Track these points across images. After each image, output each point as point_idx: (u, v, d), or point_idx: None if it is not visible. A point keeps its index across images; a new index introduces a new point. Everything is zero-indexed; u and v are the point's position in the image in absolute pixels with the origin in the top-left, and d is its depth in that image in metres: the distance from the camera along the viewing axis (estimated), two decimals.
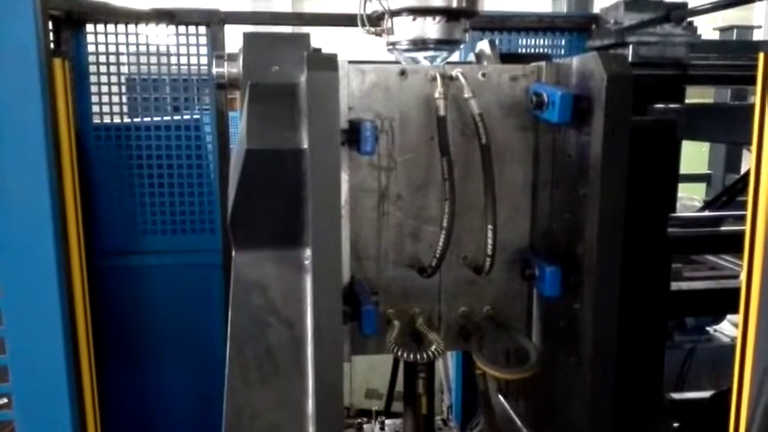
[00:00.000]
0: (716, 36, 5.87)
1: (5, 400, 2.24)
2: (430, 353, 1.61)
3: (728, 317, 4.14)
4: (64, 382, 2.07)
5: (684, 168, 3.41)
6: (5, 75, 1.88)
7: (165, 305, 3.03)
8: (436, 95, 1.67)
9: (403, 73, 1.72)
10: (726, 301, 2.51)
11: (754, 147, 1.25)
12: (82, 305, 2.31)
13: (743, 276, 1.30)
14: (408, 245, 1.80)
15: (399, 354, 1.63)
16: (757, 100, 1.24)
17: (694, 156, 6.42)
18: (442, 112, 1.66)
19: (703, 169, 6.38)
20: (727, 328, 4.21)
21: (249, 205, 1.62)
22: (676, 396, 2.93)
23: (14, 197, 1.96)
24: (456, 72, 1.70)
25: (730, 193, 3.45)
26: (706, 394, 2.80)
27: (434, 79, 1.69)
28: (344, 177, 1.67)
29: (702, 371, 3.76)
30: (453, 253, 1.75)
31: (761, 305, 1.26)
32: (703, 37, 3.08)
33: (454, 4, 1.78)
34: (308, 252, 1.60)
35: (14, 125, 1.92)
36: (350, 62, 1.69)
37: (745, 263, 1.29)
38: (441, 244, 1.66)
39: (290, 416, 1.60)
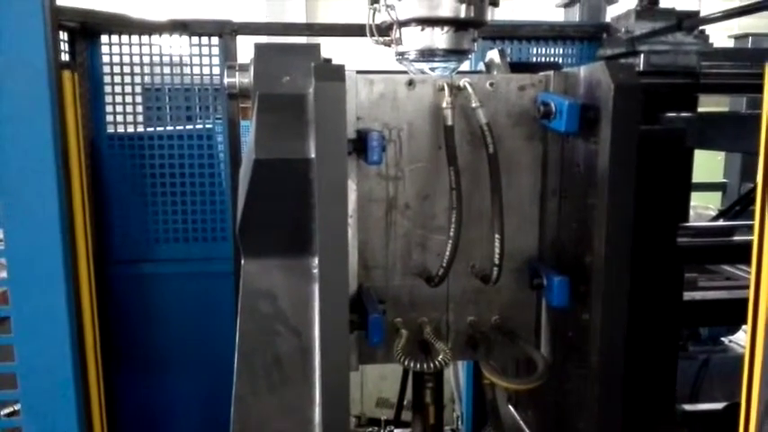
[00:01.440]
0: (731, 44, 5.81)
1: (12, 409, 2.26)
2: (437, 362, 1.61)
3: (743, 327, 4.09)
4: (71, 389, 2.09)
5: (699, 177, 3.38)
6: (15, 87, 1.92)
7: (177, 313, 3.05)
8: (444, 105, 1.67)
9: (411, 83, 1.73)
10: (740, 312, 2.47)
11: (760, 156, 1.24)
12: (90, 313, 2.33)
13: (750, 286, 1.29)
14: (416, 254, 1.80)
15: (406, 363, 1.63)
16: (764, 110, 1.23)
17: (710, 164, 6.36)
18: (449, 122, 1.67)
19: (719, 178, 6.31)
20: (742, 339, 4.16)
21: (257, 214, 1.63)
22: (689, 407, 2.91)
23: (23, 207, 1.99)
24: (463, 82, 1.70)
25: (744, 202, 3.42)
26: (719, 406, 2.77)
27: (442, 89, 1.70)
28: (352, 187, 1.68)
29: (717, 382, 3.71)
30: (461, 262, 1.75)
31: None
32: (719, 45, 3.05)
33: (462, 15, 1.79)
34: (316, 261, 1.61)
35: (23, 137, 1.95)
36: (358, 72, 1.71)
37: (752, 273, 1.28)
38: (448, 253, 1.66)
39: (297, 424, 1.61)
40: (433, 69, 1.90)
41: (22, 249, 2.02)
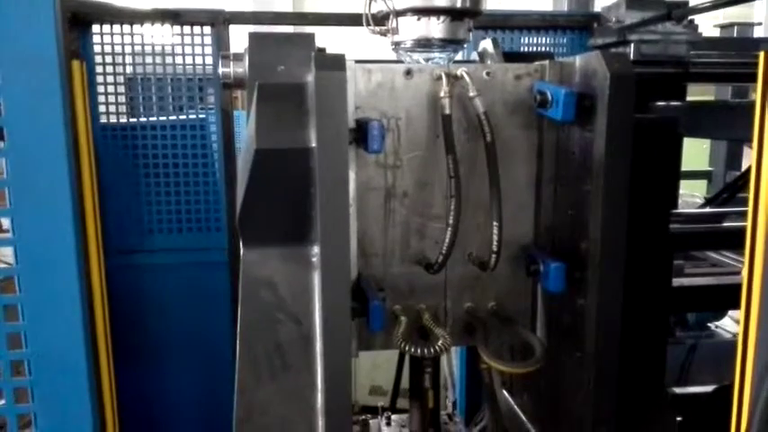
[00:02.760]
0: (717, 33, 5.87)
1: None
2: (437, 347, 1.64)
3: (730, 313, 4.16)
4: (84, 376, 2.10)
5: (686, 165, 3.42)
6: (28, 77, 1.93)
7: (171, 303, 3.05)
8: (441, 94, 1.69)
9: (409, 72, 1.74)
10: (727, 297, 2.53)
11: (754, 144, 1.28)
12: (100, 300, 2.35)
13: (744, 272, 1.32)
14: (415, 242, 1.82)
15: (407, 349, 1.65)
16: (758, 98, 1.26)
17: (696, 152, 6.43)
18: (447, 111, 1.69)
19: (704, 166, 6.39)
20: (728, 324, 4.23)
21: (258, 204, 1.64)
22: (678, 390, 2.96)
23: (35, 196, 2.00)
24: (461, 71, 1.72)
25: (731, 190, 3.47)
26: (708, 389, 2.83)
27: (439, 78, 1.71)
28: (351, 176, 1.69)
29: (704, 367, 3.78)
30: (459, 249, 1.78)
31: (762, 301, 1.28)
32: (704, 34, 3.09)
33: (458, 4, 1.80)
34: (316, 249, 1.63)
35: (36, 126, 1.97)
36: (356, 62, 1.72)
37: (746, 259, 1.32)
38: (446, 241, 1.69)
39: (299, 410, 1.63)
40: (427, 60, 1.91)
41: (35, 238, 2.03)
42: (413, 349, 1.64)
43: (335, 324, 1.57)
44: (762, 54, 1.24)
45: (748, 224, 1.32)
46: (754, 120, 1.27)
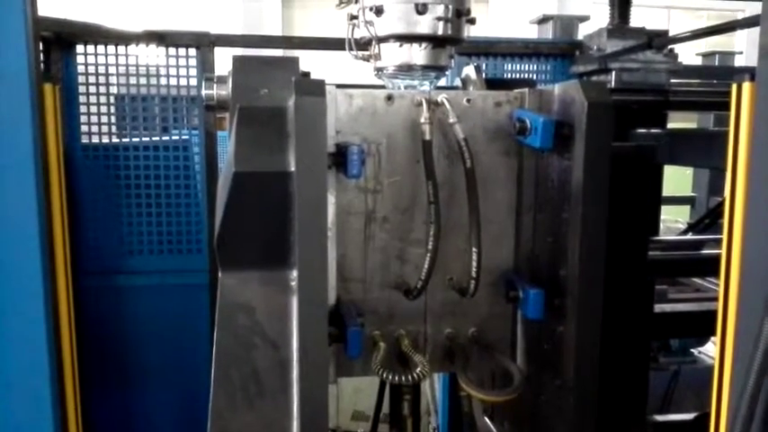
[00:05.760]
0: (698, 61, 5.97)
1: None
2: (415, 375, 1.62)
3: (712, 338, 4.17)
4: (48, 404, 2.06)
5: (669, 191, 3.45)
6: None
7: (151, 325, 3.02)
8: (422, 120, 1.70)
9: (390, 98, 1.75)
10: (709, 323, 2.53)
11: (729, 173, 1.29)
12: (68, 329, 2.31)
13: (719, 300, 1.33)
14: (394, 267, 1.81)
15: (385, 376, 1.64)
16: (731, 128, 1.28)
17: (679, 178, 6.49)
18: (427, 137, 1.69)
19: (688, 191, 6.45)
20: (711, 350, 4.24)
21: (236, 227, 1.63)
22: (660, 418, 2.95)
23: (2, 221, 1.97)
24: (441, 98, 1.73)
25: (713, 216, 3.51)
26: (689, 416, 2.82)
27: (420, 104, 1.72)
28: (331, 200, 1.68)
29: (687, 392, 3.78)
30: (439, 275, 1.77)
31: (737, 328, 1.29)
32: (687, 62, 3.14)
33: (440, 32, 1.81)
34: (295, 273, 1.61)
35: (4, 150, 1.94)
36: (338, 86, 1.72)
37: (721, 285, 1.32)
38: (426, 266, 1.68)
39: None
40: (407, 87, 1.91)
41: (0, 262, 2.00)
42: (391, 376, 1.63)
43: (312, 350, 1.55)
44: (734, 86, 1.26)
45: (723, 252, 1.33)
46: (728, 148, 1.29)
